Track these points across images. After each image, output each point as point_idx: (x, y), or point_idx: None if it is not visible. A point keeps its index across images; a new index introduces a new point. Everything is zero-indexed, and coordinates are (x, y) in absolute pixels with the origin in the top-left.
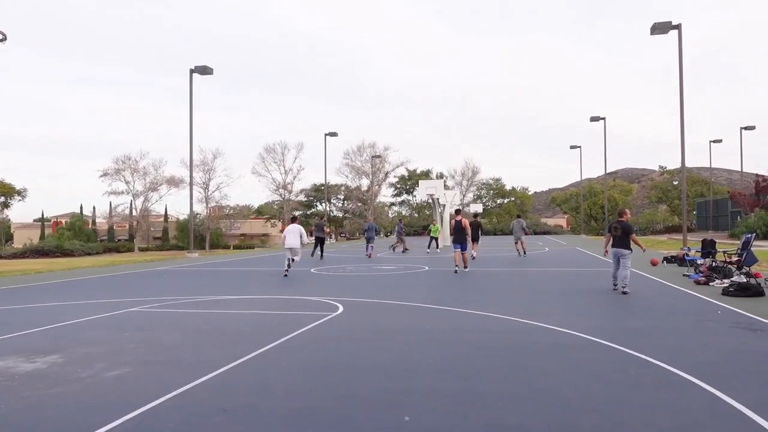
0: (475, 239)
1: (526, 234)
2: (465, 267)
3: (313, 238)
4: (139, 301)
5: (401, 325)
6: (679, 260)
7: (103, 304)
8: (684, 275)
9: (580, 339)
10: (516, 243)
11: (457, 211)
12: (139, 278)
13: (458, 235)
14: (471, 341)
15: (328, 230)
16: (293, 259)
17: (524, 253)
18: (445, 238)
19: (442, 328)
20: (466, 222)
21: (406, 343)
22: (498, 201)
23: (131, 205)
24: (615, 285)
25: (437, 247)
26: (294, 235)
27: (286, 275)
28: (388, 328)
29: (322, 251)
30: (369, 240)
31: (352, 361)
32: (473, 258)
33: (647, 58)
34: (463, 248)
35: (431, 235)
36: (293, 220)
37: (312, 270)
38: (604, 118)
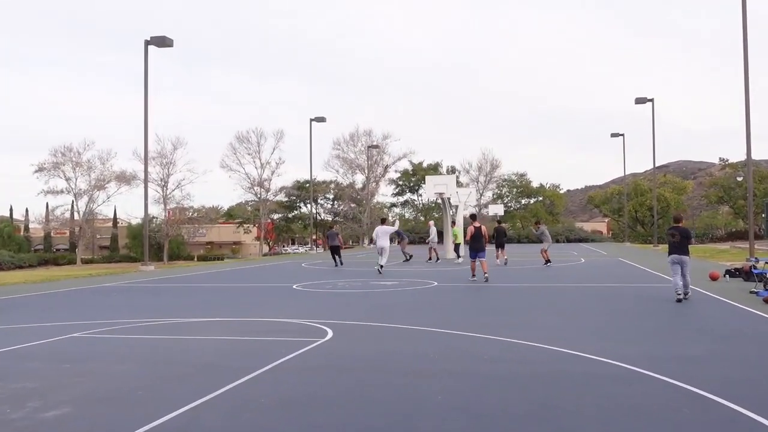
0: (500, 245)
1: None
2: (485, 275)
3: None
4: (82, 325)
5: (403, 353)
6: (745, 274)
7: (37, 329)
8: (751, 292)
9: (621, 369)
10: (544, 251)
11: (473, 216)
12: (83, 297)
13: (478, 242)
14: (487, 373)
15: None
16: (380, 264)
17: (548, 261)
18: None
19: (452, 356)
20: (485, 229)
21: (409, 375)
22: (523, 201)
23: (73, 207)
24: (679, 294)
25: (458, 257)
26: (384, 236)
27: (381, 269)
28: (386, 357)
29: (339, 258)
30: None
31: (343, 398)
32: (505, 264)
33: (702, 28)
34: (482, 256)
35: (455, 241)
36: (383, 221)
37: (294, 286)
38: (651, 100)
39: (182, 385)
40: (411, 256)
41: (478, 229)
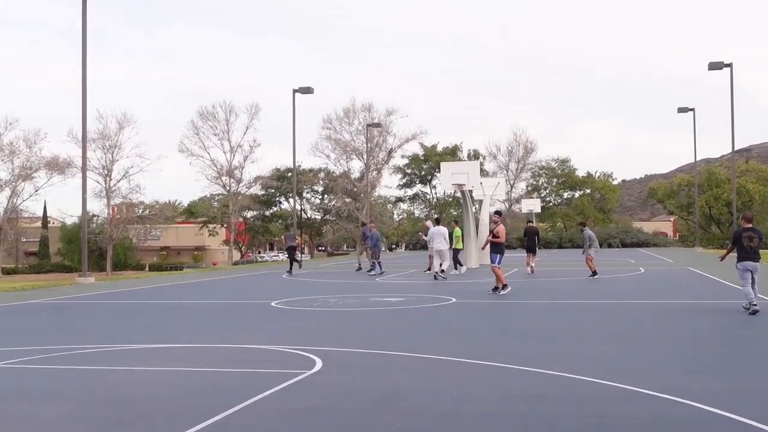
0: (531, 250)
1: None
2: (502, 287)
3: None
4: (2, 354)
5: (414, 389)
6: None
7: None
8: None
9: (697, 411)
10: (590, 257)
11: (498, 213)
12: (4, 316)
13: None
14: (523, 416)
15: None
16: (441, 267)
17: (593, 273)
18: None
19: (476, 394)
20: (502, 228)
21: (419, 419)
22: (565, 195)
23: None
24: (755, 306)
25: (459, 266)
26: (440, 237)
27: (445, 278)
28: (390, 394)
29: (297, 261)
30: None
31: None
32: (531, 272)
33: None
34: (499, 261)
35: (453, 246)
36: (437, 221)
37: (273, 303)
38: (730, 65)
39: (133, 431)
40: (360, 268)
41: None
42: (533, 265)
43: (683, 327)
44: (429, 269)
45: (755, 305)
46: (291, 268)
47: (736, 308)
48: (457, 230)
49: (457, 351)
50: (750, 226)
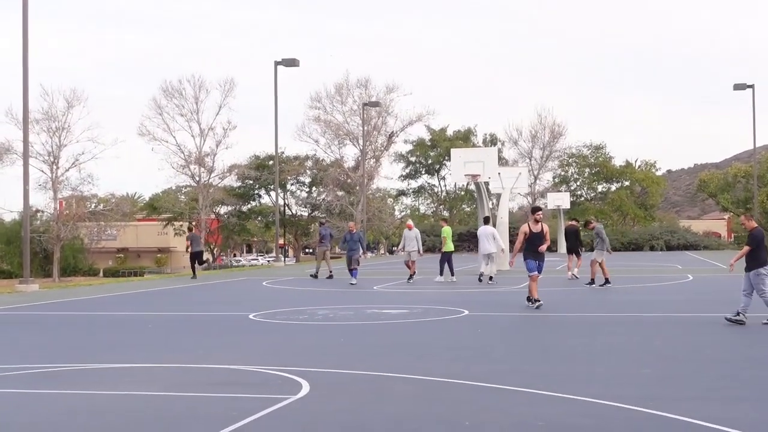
0: (573, 251)
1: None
2: (536, 300)
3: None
4: None
5: (420, 419)
6: None
7: None
8: None
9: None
10: (599, 261)
11: (535, 210)
12: None
13: (534, 249)
14: None
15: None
16: (490, 275)
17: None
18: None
19: (493, 424)
20: (547, 228)
21: None
22: (599, 188)
23: None
24: None
25: (441, 274)
26: (489, 238)
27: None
28: (394, 426)
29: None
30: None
31: None
32: (572, 278)
33: None
34: (540, 269)
35: (444, 248)
36: (487, 220)
37: (252, 316)
38: None
39: None
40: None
41: (539, 229)
42: (576, 271)
43: (737, 346)
44: (411, 277)
45: None
46: (194, 274)
47: None
48: (446, 229)
49: (468, 372)
50: None
